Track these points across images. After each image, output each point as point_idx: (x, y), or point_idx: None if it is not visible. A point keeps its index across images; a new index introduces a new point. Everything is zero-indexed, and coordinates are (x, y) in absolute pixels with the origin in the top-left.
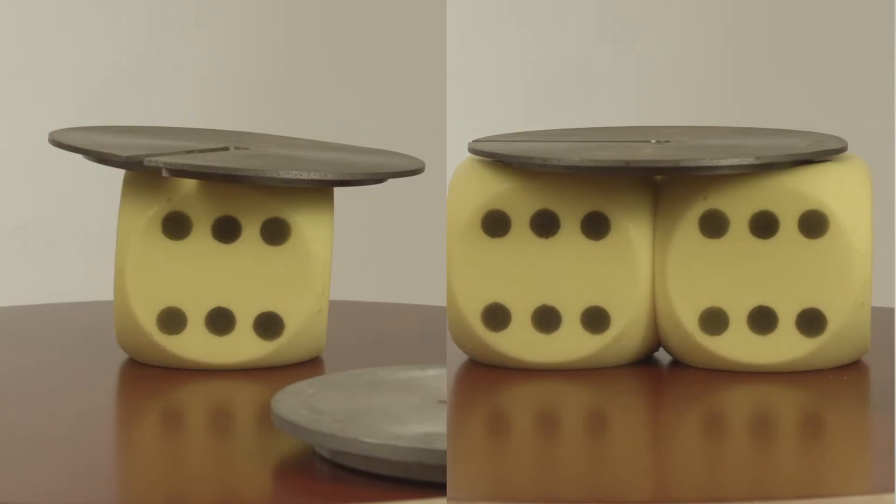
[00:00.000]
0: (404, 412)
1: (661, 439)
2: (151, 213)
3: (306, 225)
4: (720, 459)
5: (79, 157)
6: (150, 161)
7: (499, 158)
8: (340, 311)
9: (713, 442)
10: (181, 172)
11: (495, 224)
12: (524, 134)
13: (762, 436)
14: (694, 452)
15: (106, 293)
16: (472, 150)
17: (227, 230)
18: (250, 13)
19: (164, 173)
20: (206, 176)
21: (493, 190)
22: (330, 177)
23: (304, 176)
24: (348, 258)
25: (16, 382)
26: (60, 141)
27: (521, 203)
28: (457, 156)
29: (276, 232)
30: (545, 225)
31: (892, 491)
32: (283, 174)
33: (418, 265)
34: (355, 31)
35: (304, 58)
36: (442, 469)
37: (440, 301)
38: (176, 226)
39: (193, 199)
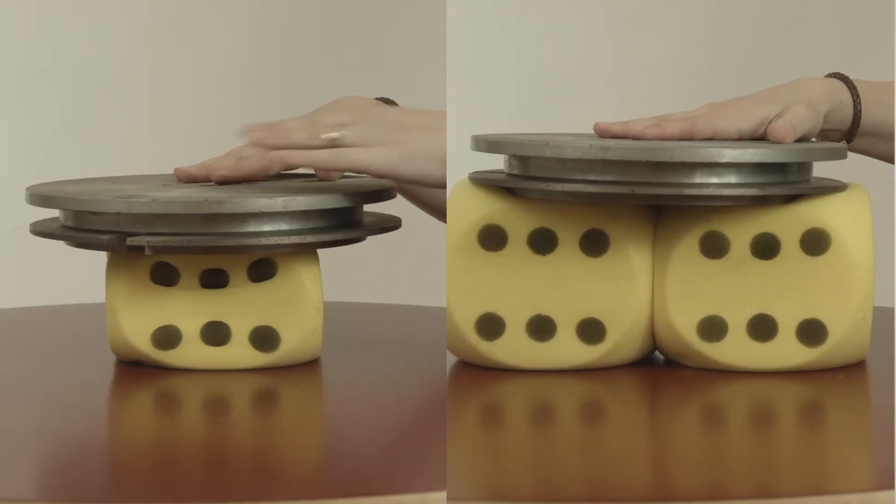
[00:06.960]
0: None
1: (660, 437)
2: (139, 266)
3: (294, 263)
4: (719, 457)
5: (78, 153)
6: (132, 241)
7: (501, 185)
8: (339, 312)
9: (711, 440)
10: (164, 250)
11: (492, 238)
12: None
13: (761, 434)
14: (692, 450)
15: (103, 295)
16: (473, 180)
17: (213, 278)
18: (250, 14)
19: (147, 251)
20: (189, 251)
21: (492, 206)
22: (310, 239)
23: (285, 241)
24: (348, 259)
25: (14, 382)
26: (42, 231)
27: (519, 220)
28: (456, 156)
29: (262, 271)
30: (543, 242)
31: (891, 488)
32: (265, 240)
33: (419, 267)
34: (356, 32)
35: (303, 59)
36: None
37: (440, 303)
38: (164, 275)
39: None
